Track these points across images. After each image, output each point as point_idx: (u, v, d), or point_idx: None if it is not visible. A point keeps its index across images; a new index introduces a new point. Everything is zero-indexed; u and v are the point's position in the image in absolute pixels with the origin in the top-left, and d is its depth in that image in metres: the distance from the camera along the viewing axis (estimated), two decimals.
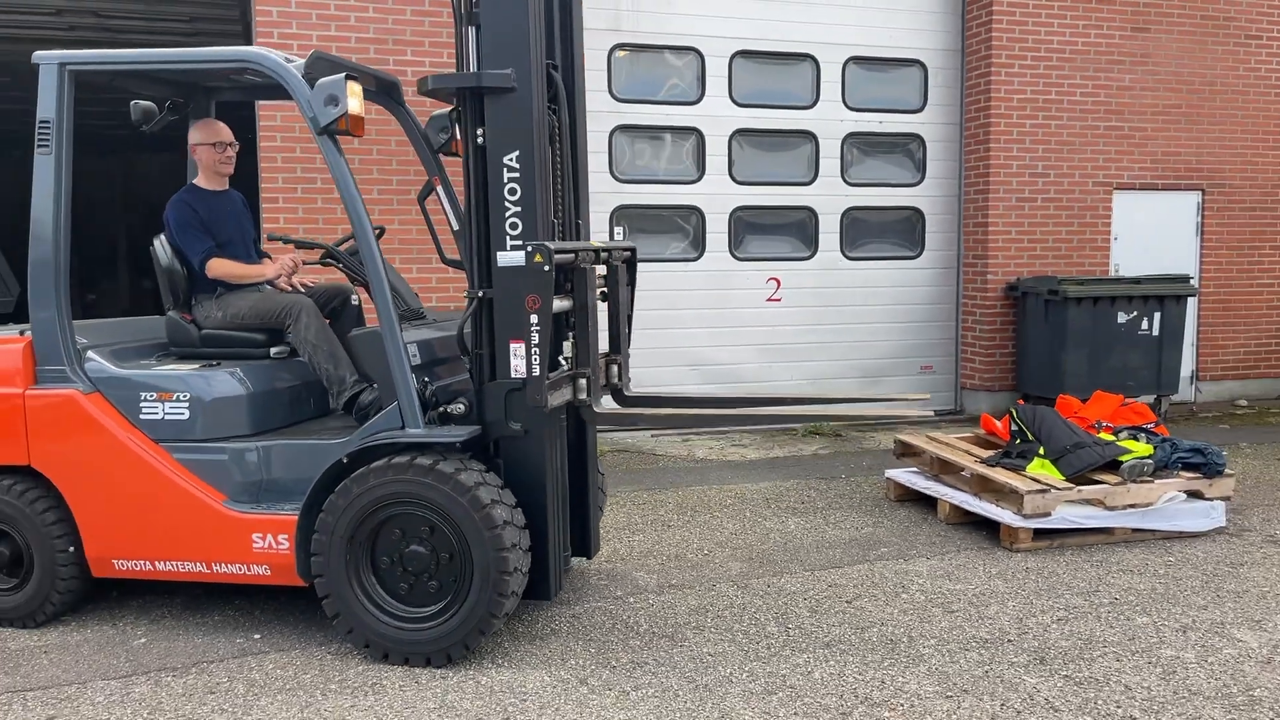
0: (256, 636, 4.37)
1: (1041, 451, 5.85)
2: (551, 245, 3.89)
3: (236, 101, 5.36)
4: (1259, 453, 7.96)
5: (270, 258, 5.12)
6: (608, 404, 4.62)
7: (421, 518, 3.98)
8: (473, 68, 4.13)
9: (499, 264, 4.07)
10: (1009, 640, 4.26)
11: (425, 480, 3.91)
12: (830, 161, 9.48)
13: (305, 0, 7.78)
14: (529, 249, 3.89)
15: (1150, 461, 5.71)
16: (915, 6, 9.63)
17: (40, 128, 4.35)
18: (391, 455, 4.02)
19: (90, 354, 4.46)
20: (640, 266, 4.83)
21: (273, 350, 4.70)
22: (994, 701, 3.70)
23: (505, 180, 4.06)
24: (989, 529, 5.74)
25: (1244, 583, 4.95)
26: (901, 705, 3.68)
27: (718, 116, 9.13)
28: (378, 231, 4.26)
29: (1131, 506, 5.56)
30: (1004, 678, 3.90)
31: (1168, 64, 9.86)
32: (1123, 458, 5.72)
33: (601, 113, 8.56)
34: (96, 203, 15.83)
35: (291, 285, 4.85)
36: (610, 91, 8.80)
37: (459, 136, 4.30)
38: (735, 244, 9.29)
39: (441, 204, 4.61)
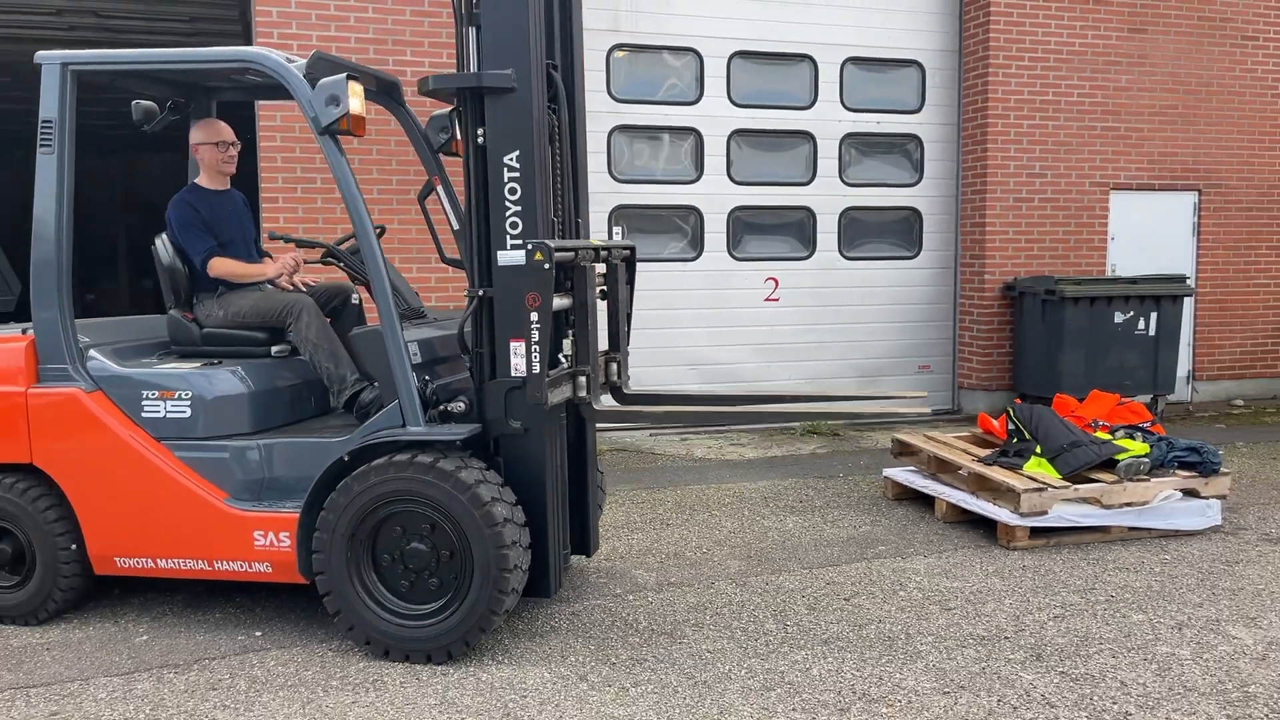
0: (258, 633, 4.40)
1: (1038, 450, 5.88)
2: (552, 243, 3.91)
3: (237, 101, 5.38)
4: (1255, 452, 8.00)
5: (271, 257, 5.14)
6: (607, 402, 4.65)
7: (422, 515, 4.00)
8: (473, 68, 4.15)
9: (499, 263, 4.10)
10: (1006, 637, 4.29)
11: (426, 478, 3.93)
12: (828, 162, 9.51)
13: (305, 0, 7.81)
14: (529, 247, 3.91)
15: (1146, 460, 5.75)
16: (913, 7, 9.67)
17: (43, 127, 4.37)
18: (392, 453, 4.04)
19: (92, 353, 4.48)
20: (638, 266, 4.85)
21: (274, 349, 4.73)
22: (991, 697, 3.73)
23: (505, 180, 4.08)
24: (986, 527, 5.77)
25: (1239, 580, 4.98)
26: (899, 701, 3.71)
27: (716, 117, 9.16)
28: (378, 231, 4.28)
29: (1128, 505, 5.59)
30: (1001, 674, 3.93)
31: (1164, 65, 9.90)
32: (1119, 456, 5.75)
33: (600, 113, 8.58)
34: (96, 203, 15.84)
35: (292, 284, 4.87)
36: (609, 92, 8.82)
37: (459, 136, 4.32)
38: (733, 244, 9.32)
39: (442, 204, 4.63)
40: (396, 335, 4.13)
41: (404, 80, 5.18)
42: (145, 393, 4.39)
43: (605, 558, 5.38)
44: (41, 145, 4.37)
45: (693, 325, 9.19)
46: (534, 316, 3.96)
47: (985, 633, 4.34)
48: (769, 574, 5.14)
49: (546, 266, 3.89)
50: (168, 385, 4.39)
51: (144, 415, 4.38)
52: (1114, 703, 3.68)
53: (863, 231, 9.72)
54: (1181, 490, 5.75)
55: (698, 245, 9.23)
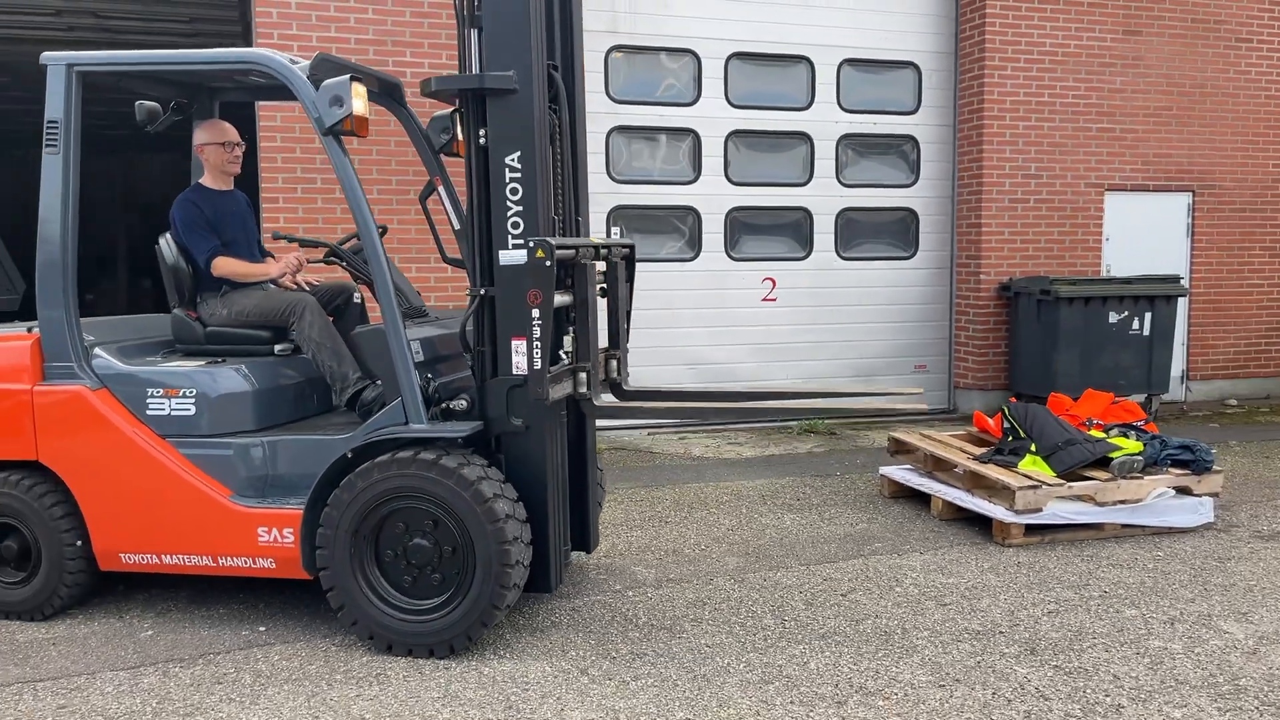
0: (262, 629, 4.44)
1: (1033, 448, 5.93)
2: (553, 241, 3.96)
3: (239, 102, 5.42)
4: (1247, 450, 8.06)
5: (274, 257, 5.19)
6: (607, 399, 4.70)
7: (425, 512, 4.04)
8: (475, 69, 4.20)
9: (501, 262, 4.14)
10: (1000, 632, 4.35)
11: (429, 475, 3.98)
12: (825, 163, 9.57)
13: (305, 1, 7.85)
14: (531, 244, 3.96)
15: (1140, 458, 5.80)
16: (909, 9, 9.73)
17: (48, 128, 4.41)
18: (395, 450, 4.09)
19: (97, 351, 4.52)
20: (637, 266, 4.90)
21: (277, 347, 4.77)
22: (985, 690, 3.78)
23: (507, 180, 4.13)
24: (981, 524, 5.83)
25: (1231, 576, 5.04)
26: (895, 694, 3.76)
27: (714, 118, 9.22)
28: (380, 230, 4.33)
29: (1121, 502, 5.65)
30: (995, 668, 3.98)
31: (1159, 66, 9.96)
32: (1113, 454, 5.80)
33: (598, 114, 8.63)
34: (96, 202, 15.85)
35: (295, 283, 4.91)
36: (607, 92, 8.87)
37: (460, 137, 4.37)
38: (731, 244, 9.38)
39: (443, 204, 4.68)
40: (399, 334, 4.18)
41: (403, 81, 5.23)
42: (150, 390, 4.43)
43: (605, 554, 5.43)
44: (47, 146, 4.41)
45: (691, 325, 9.24)
46: (535, 313, 4.00)
47: (980, 627, 4.40)
48: (767, 570, 5.19)
49: (548, 264, 3.94)
50: (172, 383, 4.43)
51: (149, 413, 4.42)
52: (1107, 695, 3.74)
53: (859, 232, 9.78)
54: (1174, 488, 5.81)
55: (695, 245, 9.28)
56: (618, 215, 8.99)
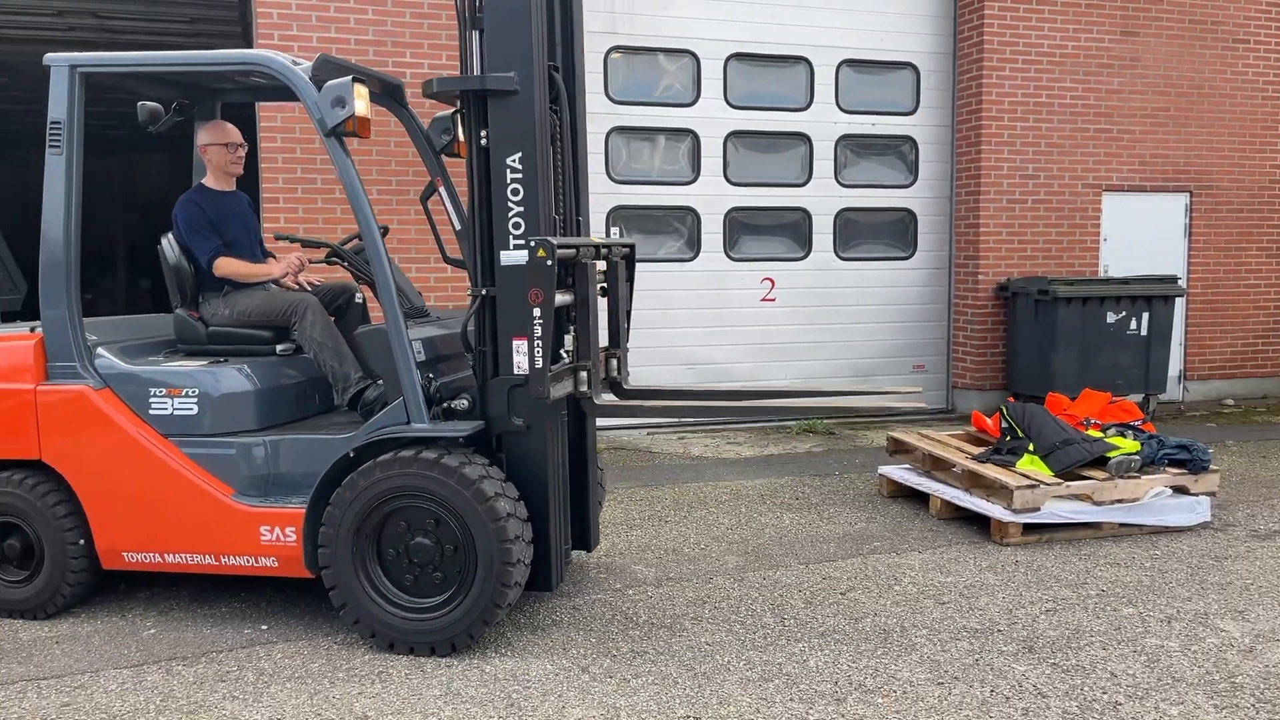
0: (264, 627, 4.46)
1: (1031, 448, 5.96)
2: (554, 240, 3.98)
3: (241, 103, 5.44)
4: (1244, 450, 8.09)
5: (275, 257, 5.21)
6: (607, 398, 4.72)
7: (427, 510, 4.07)
8: (476, 71, 4.22)
9: (502, 263, 4.17)
10: (998, 630, 4.37)
11: (430, 474, 4.00)
12: (824, 163, 9.59)
13: (305, 2, 7.87)
14: (532, 244, 3.98)
15: (1137, 458, 5.83)
16: (908, 10, 9.75)
17: (51, 129, 4.43)
18: (397, 449, 4.11)
19: (100, 351, 4.54)
20: (637, 266, 4.92)
21: (279, 347, 4.79)
22: (984, 688, 3.80)
23: (508, 181, 4.15)
24: (980, 524, 5.85)
25: (1228, 575, 5.06)
26: (894, 692, 3.79)
27: (713, 118, 9.24)
28: (382, 231, 4.35)
29: (1119, 501, 5.68)
30: (994, 665, 4.01)
31: (1156, 67, 9.99)
32: (1110, 454, 5.83)
33: (598, 114, 8.64)
34: (95, 202, 15.85)
35: (297, 284, 4.94)
36: (606, 93, 8.89)
37: (462, 138, 4.39)
38: (730, 244, 9.40)
39: (444, 204, 4.69)
40: (401, 334, 4.20)
41: (404, 81, 5.25)
42: (152, 390, 4.45)
43: (605, 553, 5.45)
44: (50, 146, 4.43)
45: (690, 325, 9.27)
46: (536, 313, 4.02)
47: (979, 626, 4.42)
48: (766, 569, 5.21)
49: (550, 263, 3.96)
50: (175, 383, 4.45)
51: (151, 412, 4.44)
52: (1104, 693, 3.76)
53: (858, 232, 9.81)
54: (1172, 487, 5.84)
55: (694, 246, 9.31)
56: (617, 216, 9.01)
